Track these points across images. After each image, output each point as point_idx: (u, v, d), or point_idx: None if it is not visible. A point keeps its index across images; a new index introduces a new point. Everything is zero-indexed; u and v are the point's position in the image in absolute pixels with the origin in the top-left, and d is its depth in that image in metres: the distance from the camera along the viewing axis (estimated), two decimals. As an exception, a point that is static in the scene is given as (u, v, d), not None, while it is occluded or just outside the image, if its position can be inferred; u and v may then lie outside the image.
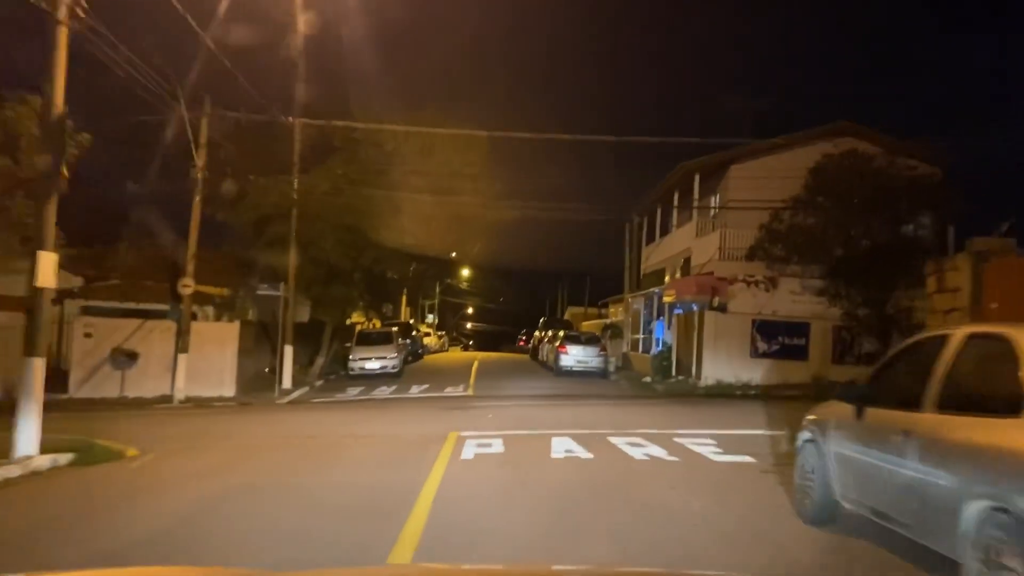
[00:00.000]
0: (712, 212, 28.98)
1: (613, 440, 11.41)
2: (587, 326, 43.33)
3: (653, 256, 34.46)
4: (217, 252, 29.57)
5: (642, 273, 36.54)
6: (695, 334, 24.55)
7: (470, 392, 22.55)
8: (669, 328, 31.44)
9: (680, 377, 25.87)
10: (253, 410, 19.19)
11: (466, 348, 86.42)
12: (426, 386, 24.62)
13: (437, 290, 76.97)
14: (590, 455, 10.29)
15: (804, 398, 21.36)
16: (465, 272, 76.18)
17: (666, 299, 27.35)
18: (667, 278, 31.15)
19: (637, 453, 10.39)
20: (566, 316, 56.43)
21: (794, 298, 23.84)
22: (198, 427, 15.02)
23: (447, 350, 69.57)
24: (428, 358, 42.92)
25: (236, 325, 23.06)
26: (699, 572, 5.70)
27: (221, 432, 14.15)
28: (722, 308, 23.99)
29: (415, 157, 25.38)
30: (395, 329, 29.93)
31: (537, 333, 41.25)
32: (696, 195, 28.03)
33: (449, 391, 23.05)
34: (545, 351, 32.72)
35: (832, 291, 22.58)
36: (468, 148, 25.75)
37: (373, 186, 24.62)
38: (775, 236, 23.02)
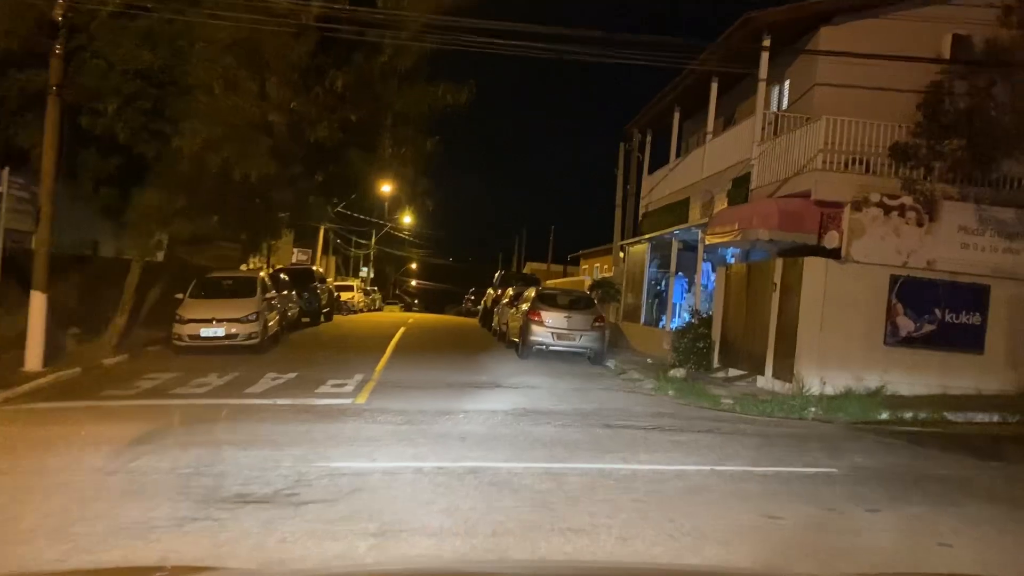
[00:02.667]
0: (778, 108, 18.19)
1: None
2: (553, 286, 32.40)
3: (664, 185, 23.61)
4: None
5: (642, 212, 25.71)
6: (771, 298, 13.90)
7: (360, 398, 11.41)
8: (691, 290, 20.85)
9: (737, 371, 15.19)
10: None
11: (408, 308, 75.86)
12: (293, 375, 13.57)
13: (373, 240, 65.68)
14: None
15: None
16: (407, 219, 65.27)
17: (711, 240, 16.57)
18: (694, 211, 20.36)
19: None
20: (525, 272, 45.29)
21: (965, 239, 13.23)
22: None
23: (381, 309, 58.61)
24: (345, 319, 31.71)
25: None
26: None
27: None
28: (834, 254, 13.32)
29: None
30: (263, 275, 18.55)
31: (491, 291, 30.20)
32: (763, 75, 17.16)
33: (325, 391, 11.99)
34: (504, 318, 21.78)
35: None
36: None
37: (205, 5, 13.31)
38: (944, 124, 12.38)
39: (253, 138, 14.57)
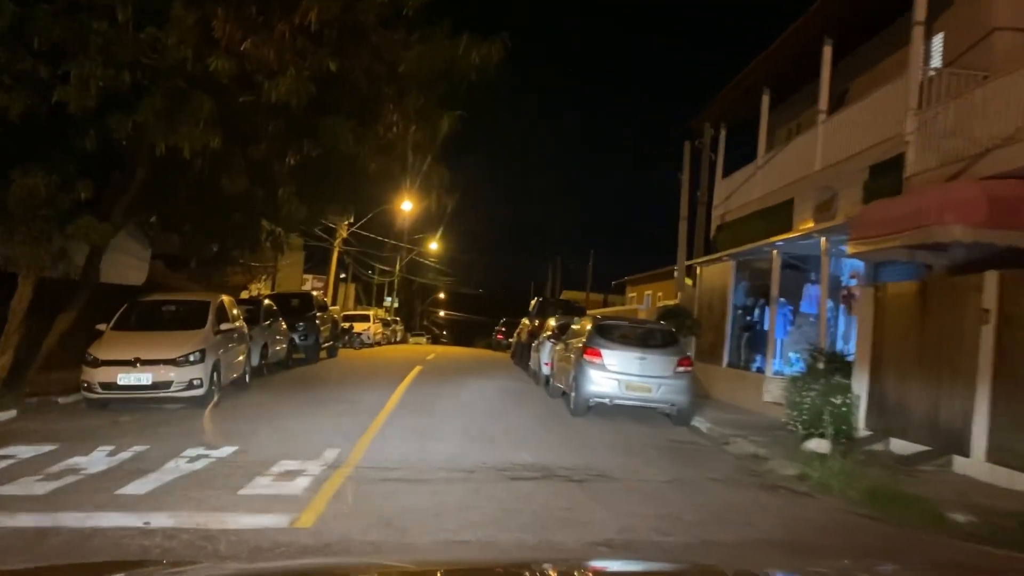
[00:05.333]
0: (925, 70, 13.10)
1: None
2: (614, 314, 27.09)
3: (750, 188, 18.55)
4: None
5: (716, 224, 20.61)
6: (978, 333, 8.78)
7: (308, 514, 6.31)
8: (796, 321, 15.74)
9: (910, 445, 10.03)
10: None
11: (436, 340, 71.57)
12: (230, 450, 8.68)
13: (397, 267, 61.30)
14: None
15: None
16: (433, 246, 61.02)
17: (858, 248, 11.41)
18: (802, 215, 15.26)
19: None
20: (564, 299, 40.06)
21: None
22: None
23: (405, 341, 54.04)
24: (355, 355, 27.06)
25: None
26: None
27: None
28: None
29: None
30: (223, 299, 13.61)
31: (525, 322, 25.23)
32: (920, 15, 12.13)
33: (258, 491, 6.98)
34: (546, 356, 16.77)
35: None
36: None
37: None
38: None
39: (184, 94, 9.83)
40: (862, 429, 11.18)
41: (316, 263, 40.87)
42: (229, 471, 7.75)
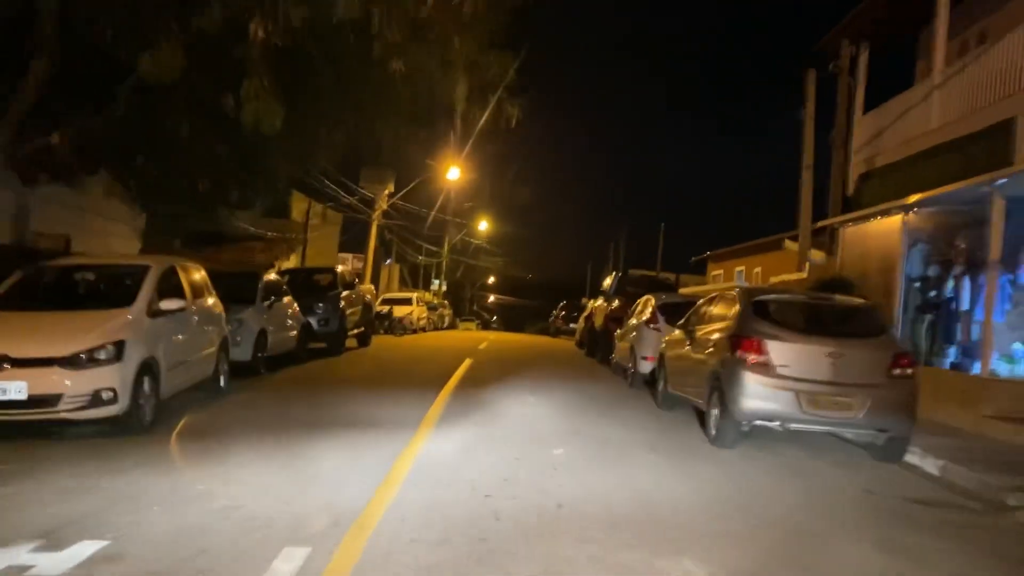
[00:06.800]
0: None
1: None
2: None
3: (917, 119, 13.48)
4: None
5: (858, 172, 15.49)
6: None
7: None
8: (1011, 299, 10.76)
9: None
10: None
11: (486, 325, 67.75)
12: (91, 552, 4.21)
13: (445, 248, 57.05)
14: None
15: None
16: (483, 226, 56.93)
17: None
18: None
19: None
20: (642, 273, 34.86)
21: None
22: None
23: (454, 326, 50.02)
24: (393, 343, 22.90)
25: None
26: None
27: None
28: None
29: None
30: (178, 266, 9.08)
31: (598, 304, 20.42)
32: None
33: None
34: (646, 349, 12.08)
35: None
36: None
37: None
38: None
39: None
40: None
41: (353, 236, 36.51)
42: None
